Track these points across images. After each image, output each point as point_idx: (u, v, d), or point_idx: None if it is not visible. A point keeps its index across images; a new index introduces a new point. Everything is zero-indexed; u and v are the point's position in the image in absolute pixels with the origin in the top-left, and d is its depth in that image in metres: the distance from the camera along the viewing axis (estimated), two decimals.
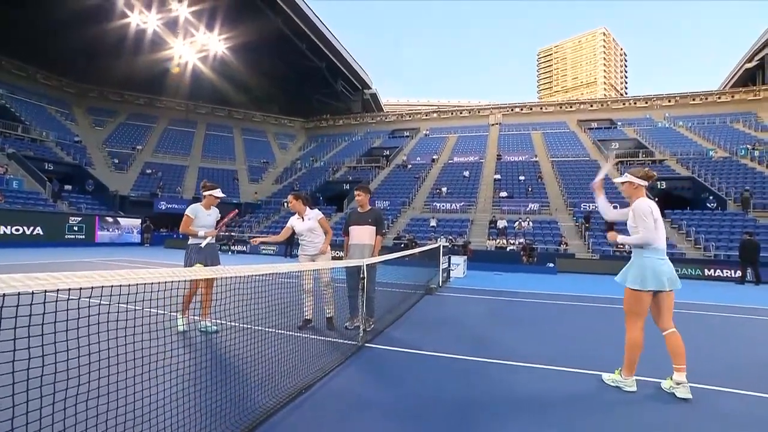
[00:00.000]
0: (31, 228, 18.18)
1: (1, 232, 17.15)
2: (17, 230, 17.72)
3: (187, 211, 4.52)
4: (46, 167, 23.94)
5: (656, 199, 19.89)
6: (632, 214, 3.04)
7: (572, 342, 4.64)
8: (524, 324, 5.65)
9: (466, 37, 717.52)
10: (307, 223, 4.80)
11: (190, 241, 4.49)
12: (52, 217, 19.51)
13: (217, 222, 4.65)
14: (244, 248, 20.55)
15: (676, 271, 3.10)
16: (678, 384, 2.91)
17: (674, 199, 21.42)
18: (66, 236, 19.45)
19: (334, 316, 4.77)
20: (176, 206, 26.85)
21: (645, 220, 2.94)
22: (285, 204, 26.17)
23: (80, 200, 23.17)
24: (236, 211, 5.78)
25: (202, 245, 4.46)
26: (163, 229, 25.42)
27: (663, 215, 18.80)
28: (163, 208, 25.82)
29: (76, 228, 19.97)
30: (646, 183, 3.08)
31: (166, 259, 14.55)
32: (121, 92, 38.35)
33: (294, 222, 4.91)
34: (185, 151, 34.71)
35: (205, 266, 4.30)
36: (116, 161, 29.88)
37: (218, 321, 2.91)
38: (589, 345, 4.51)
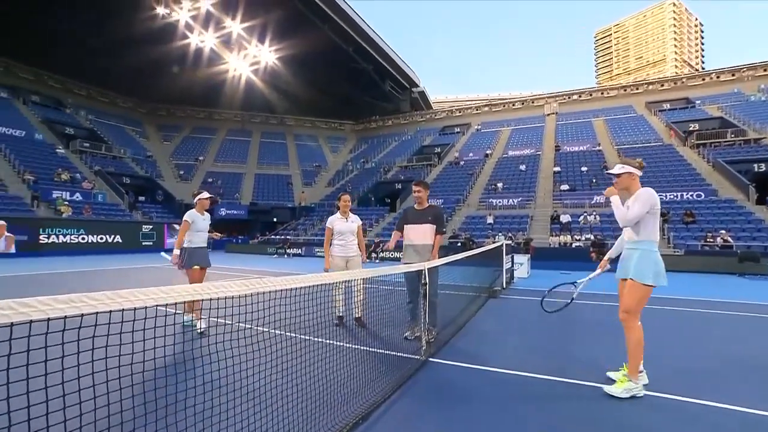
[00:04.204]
0: (113, 236, 20.01)
1: (89, 241, 19.07)
2: (101, 239, 19.57)
3: (186, 217, 4.76)
4: (124, 181, 26.25)
5: (753, 184, 17.30)
6: (634, 197, 2.97)
7: (671, 356, 3.85)
8: (606, 333, 4.81)
9: (518, 27, 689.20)
10: (352, 225, 4.95)
11: (186, 245, 4.75)
12: (129, 226, 21.28)
13: (209, 231, 5.04)
14: (300, 251, 20.97)
15: None
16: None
17: None
18: (142, 243, 21.14)
19: (362, 317, 4.84)
20: (235, 212, 28.38)
21: (641, 208, 2.87)
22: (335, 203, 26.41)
23: (152, 210, 25.08)
24: (222, 235, 6.94)
25: (194, 247, 4.77)
26: (223, 235, 26.77)
27: (763, 202, 16.45)
28: (224, 214, 27.22)
29: (148, 235, 21.64)
30: (641, 173, 3.07)
31: (225, 263, 15.15)
32: (185, 108, 41.22)
33: (336, 222, 4.91)
34: (242, 159, 36.44)
35: (200, 268, 4.80)
36: (182, 172, 32.11)
37: (273, 331, 2.60)
38: (705, 361, 3.70)
